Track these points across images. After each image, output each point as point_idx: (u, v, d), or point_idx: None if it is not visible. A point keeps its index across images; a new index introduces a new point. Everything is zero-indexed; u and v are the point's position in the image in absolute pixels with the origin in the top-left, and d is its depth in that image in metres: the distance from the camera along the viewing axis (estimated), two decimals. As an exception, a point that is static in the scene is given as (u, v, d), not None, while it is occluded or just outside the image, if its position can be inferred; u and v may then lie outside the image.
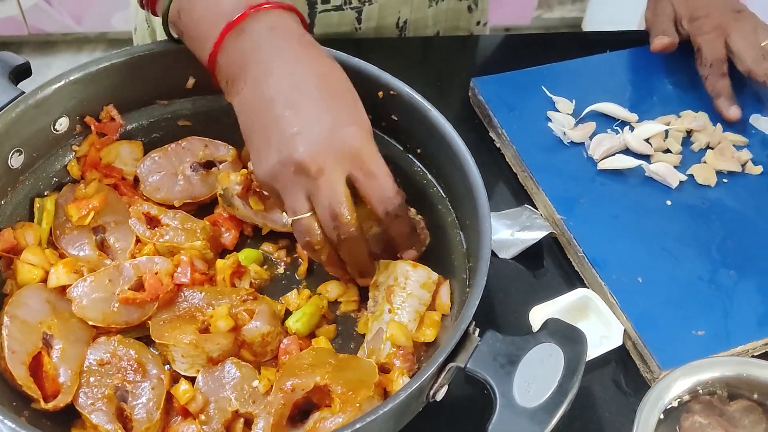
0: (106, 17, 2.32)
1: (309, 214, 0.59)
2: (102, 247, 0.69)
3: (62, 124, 0.70)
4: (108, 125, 0.73)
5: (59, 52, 2.41)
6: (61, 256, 0.68)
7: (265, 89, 0.59)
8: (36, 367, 0.60)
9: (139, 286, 0.64)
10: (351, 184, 0.60)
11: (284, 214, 0.65)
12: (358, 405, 0.56)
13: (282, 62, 0.60)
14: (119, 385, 0.60)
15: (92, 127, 0.72)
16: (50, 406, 0.58)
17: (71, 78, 0.68)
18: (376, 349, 0.62)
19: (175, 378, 0.61)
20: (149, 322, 0.64)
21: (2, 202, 0.67)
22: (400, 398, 0.51)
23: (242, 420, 0.59)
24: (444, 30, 1.01)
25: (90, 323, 0.63)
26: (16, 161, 0.67)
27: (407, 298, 0.63)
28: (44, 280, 0.65)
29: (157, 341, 0.62)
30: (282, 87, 0.59)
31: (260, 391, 0.60)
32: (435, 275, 0.65)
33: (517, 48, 1.01)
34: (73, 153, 0.72)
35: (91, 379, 0.60)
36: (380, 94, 0.72)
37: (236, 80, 0.61)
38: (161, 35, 0.77)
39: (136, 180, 0.74)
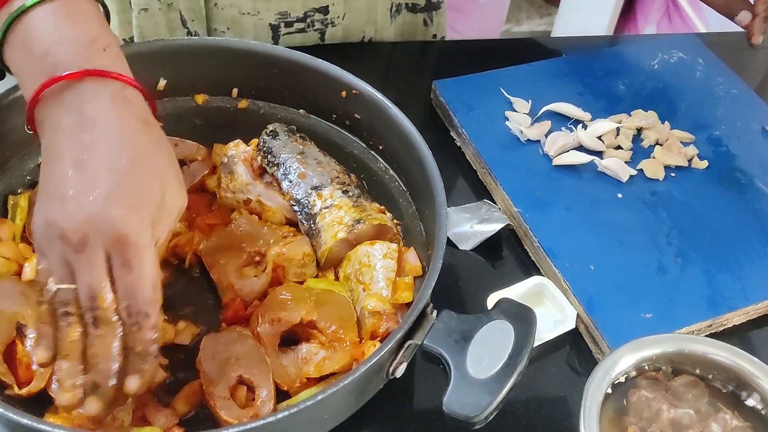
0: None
1: (74, 286, 0.53)
2: None
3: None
4: None
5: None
6: (35, 251, 0.70)
7: (60, 143, 0.53)
8: (10, 356, 0.62)
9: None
10: None
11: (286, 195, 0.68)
12: (346, 345, 0.64)
13: (86, 123, 0.53)
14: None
15: None
16: (24, 392, 0.60)
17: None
18: (364, 325, 0.66)
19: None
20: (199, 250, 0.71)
21: (-24, 198, 0.70)
22: (360, 371, 0.54)
23: (245, 388, 0.62)
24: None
25: None
26: (-13, 158, 0.70)
27: (375, 272, 0.68)
28: (18, 273, 0.67)
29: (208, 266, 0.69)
30: (74, 146, 0.53)
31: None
32: (393, 245, 0.70)
33: (477, 53, 1.05)
34: None
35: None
36: (343, 93, 0.75)
37: (42, 126, 0.55)
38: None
39: None
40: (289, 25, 0.93)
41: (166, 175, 0.56)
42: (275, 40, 0.95)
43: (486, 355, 0.56)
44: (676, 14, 2.18)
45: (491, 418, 0.54)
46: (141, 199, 0.53)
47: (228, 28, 0.93)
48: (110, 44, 0.57)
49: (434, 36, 1.06)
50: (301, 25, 0.94)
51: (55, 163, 0.53)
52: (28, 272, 0.66)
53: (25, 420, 0.50)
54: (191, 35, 0.93)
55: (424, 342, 0.57)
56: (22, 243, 0.70)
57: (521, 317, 0.58)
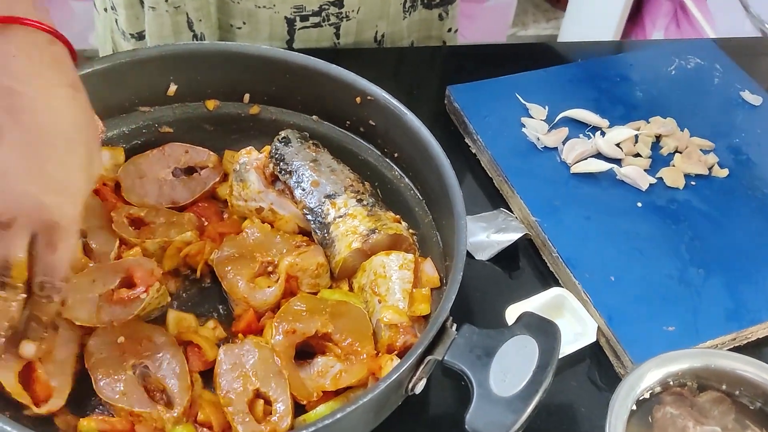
0: (83, 35, 2.32)
1: None
2: (84, 251, 0.69)
3: (43, 129, 0.71)
4: None
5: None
6: None
7: None
8: (28, 374, 0.60)
9: (122, 286, 0.65)
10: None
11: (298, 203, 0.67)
12: (363, 358, 0.63)
13: (31, 93, 0.50)
14: (135, 362, 0.61)
15: None
16: (44, 410, 0.59)
17: (53, 84, 0.69)
18: (380, 338, 0.65)
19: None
20: (211, 259, 0.69)
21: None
22: (380, 388, 0.52)
23: (262, 402, 0.61)
24: (417, 40, 1.03)
25: (77, 323, 0.63)
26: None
27: (391, 283, 0.66)
28: None
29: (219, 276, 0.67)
30: (7, 111, 0.50)
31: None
32: (409, 255, 0.68)
33: (489, 58, 1.04)
34: None
35: (108, 369, 0.61)
36: (358, 99, 0.74)
37: None
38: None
39: (117, 185, 0.75)
40: (304, 18, 0.92)
41: (93, 147, 0.54)
42: (291, 34, 0.94)
43: (509, 371, 0.54)
44: (685, 19, 2.17)
45: (516, 437, 0.52)
46: (75, 182, 0.52)
47: (244, 23, 0.92)
48: None
49: (449, 30, 1.05)
50: (316, 19, 0.93)
51: None
52: None
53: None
54: (197, 38, 0.91)
55: (445, 358, 0.55)
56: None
57: (545, 332, 0.56)
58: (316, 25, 0.94)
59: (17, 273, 0.53)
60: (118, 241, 0.69)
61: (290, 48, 0.94)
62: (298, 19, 0.92)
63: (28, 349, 0.56)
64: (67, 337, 0.62)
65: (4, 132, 0.50)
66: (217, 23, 0.93)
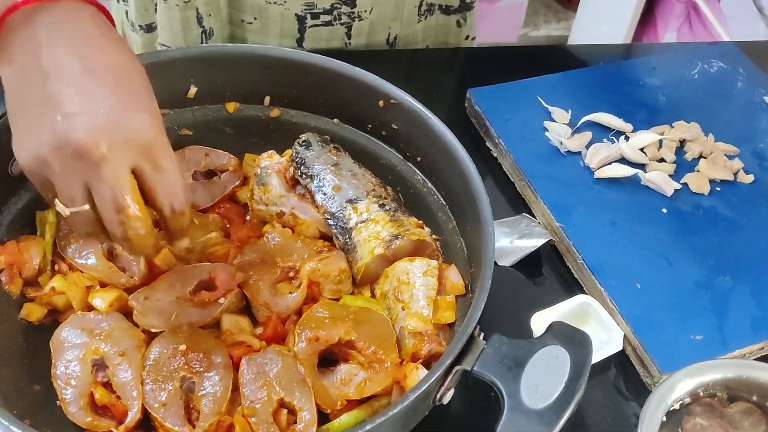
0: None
1: (88, 207, 0.52)
2: (111, 255, 0.68)
3: (63, 132, 0.70)
4: None
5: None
6: (69, 267, 0.68)
7: (45, 60, 0.51)
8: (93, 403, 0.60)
9: (199, 289, 0.66)
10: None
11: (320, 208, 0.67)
12: (387, 366, 0.62)
13: (71, 39, 0.52)
14: (186, 376, 0.60)
15: None
16: (123, 428, 0.58)
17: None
18: (404, 346, 0.63)
19: (236, 365, 0.62)
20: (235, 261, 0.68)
21: (2, 210, 0.67)
22: (409, 399, 0.51)
23: (285, 411, 0.60)
24: (433, 45, 1.02)
25: (152, 330, 0.63)
26: (15, 169, 0.67)
27: (415, 290, 0.65)
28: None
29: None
30: (65, 62, 0.51)
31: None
32: (434, 261, 0.67)
33: (506, 60, 1.03)
34: None
35: (158, 376, 0.60)
36: (381, 103, 0.73)
37: (11, 48, 0.53)
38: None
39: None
40: (315, 16, 0.91)
41: (149, 84, 0.56)
42: (301, 32, 0.93)
43: (541, 383, 0.53)
44: (698, 21, 2.15)
45: (547, 450, 0.51)
46: (147, 104, 0.54)
47: (255, 18, 0.91)
48: None
49: (467, 37, 1.04)
50: (327, 18, 0.92)
51: (43, 85, 0.50)
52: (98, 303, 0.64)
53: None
54: (206, 33, 0.90)
55: (475, 368, 0.54)
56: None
57: (576, 342, 0.55)
58: (327, 24, 0.93)
59: (134, 216, 0.52)
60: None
61: (300, 46, 0.93)
62: (308, 16, 0.91)
63: (183, 242, 0.58)
64: (129, 344, 0.62)
65: (69, 71, 0.51)
66: (227, 18, 0.92)
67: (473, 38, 1.07)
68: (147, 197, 0.53)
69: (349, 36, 0.95)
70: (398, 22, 0.96)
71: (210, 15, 0.90)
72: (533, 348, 0.55)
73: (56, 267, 0.68)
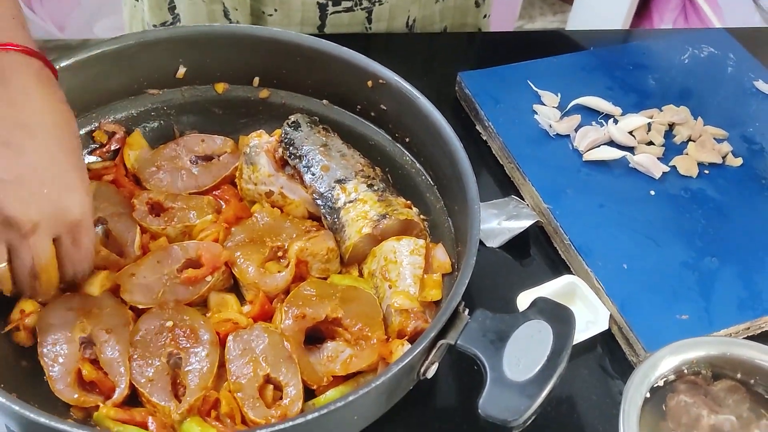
0: (89, 25, 2.32)
1: (4, 265, 0.55)
2: (107, 238, 0.69)
3: (52, 111, 0.70)
4: (117, 140, 0.74)
5: (44, 60, 2.40)
6: None
7: None
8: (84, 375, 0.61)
9: (186, 267, 0.66)
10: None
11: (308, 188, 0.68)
12: (373, 343, 0.62)
13: (14, 94, 0.53)
14: (173, 352, 0.61)
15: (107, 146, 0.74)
16: (110, 403, 0.59)
17: (61, 64, 0.68)
18: (391, 323, 0.64)
19: (223, 342, 0.62)
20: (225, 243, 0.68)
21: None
22: (393, 371, 0.52)
23: (271, 387, 0.60)
24: (451, 26, 1.02)
25: (140, 306, 0.64)
26: None
27: (402, 269, 0.65)
28: None
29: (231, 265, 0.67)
30: (4, 117, 0.52)
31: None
32: (420, 240, 0.67)
33: (500, 46, 1.03)
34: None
35: (145, 352, 0.61)
36: (369, 83, 0.73)
37: None
38: None
39: (136, 178, 0.74)
40: (336, 2, 0.91)
41: (80, 145, 0.58)
42: (322, 20, 0.93)
43: (523, 356, 0.53)
44: (693, 12, 2.15)
45: (529, 422, 0.52)
46: (83, 179, 0.56)
47: (276, 10, 0.91)
48: (25, 22, 0.57)
49: (485, 16, 1.04)
50: (348, 4, 0.92)
51: None
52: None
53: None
54: None
55: (458, 342, 0.55)
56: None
57: (559, 317, 0.55)
58: (348, 10, 0.92)
59: (46, 278, 0.57)
60: (138, 228, 0.69)
61: (322, 33, 0.93)
62: (330, 3, 0.91)
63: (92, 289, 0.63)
64: (116, 322, 0.62)
65: (6, 136, 0.52)
66: (249, 10, 0.92)
67: (489, 16, 1.07)
68: (58, 260, 0.57)
69: (369, 21, 0.95)
70: (417, 4, 0.96)
71: (236, 9, 0.90)
72: (516, 322, 0.55)
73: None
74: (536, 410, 0.51)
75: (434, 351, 0.55)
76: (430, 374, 0.56)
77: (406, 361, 0.52)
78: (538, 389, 0.51)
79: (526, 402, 0.51)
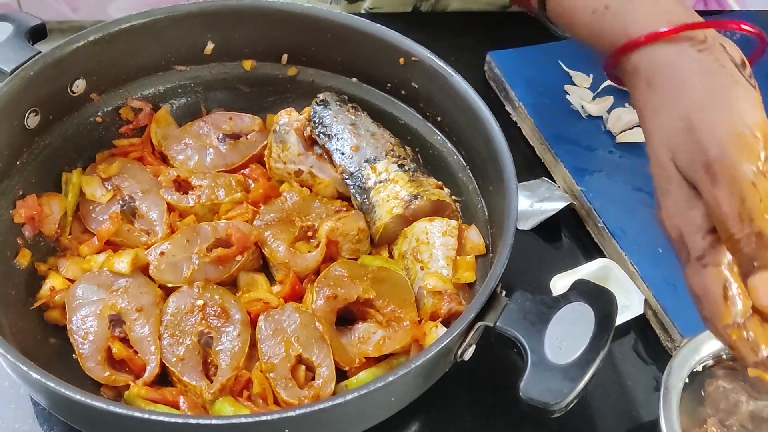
0: (102, 6, 2.30)
1: None
2: (134, 217, 0.68)
3: (79, 86, 0.69)
4: (143, 117, 0.73)
5: (54, 41, 2.38)
6: (85, 231, 0.67)
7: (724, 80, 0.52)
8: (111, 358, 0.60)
9: (215, 247, 0.65)
10: None
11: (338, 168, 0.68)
12: (405, 325, 0.61)
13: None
14: (204, 331, 0.60)
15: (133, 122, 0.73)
16: (141, 382, 0.58)
17: (90, 38, 0.67)
18: (423, 305, 0.63)
19: (253, 322, 0.62)
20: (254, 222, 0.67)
21: (18, 163, 0.66)
22: (432, 353, 0.51)
23: (303, 368, 0.59)
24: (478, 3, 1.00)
25: (169, 285, 0.63)
26: (32, 121, 0.66)
27: (434, 250, 0.64)
28: None
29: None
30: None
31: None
32: (453, 221, 0.66)
33: (525, 25, 1.01)
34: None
35: (175, 331, 0.60)
36: (401, 61, 0.71)
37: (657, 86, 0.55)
38: None
39: (162, 156, 0.73)
40: None
41: None
42: None
43: (565, 339, 0.52)
44: (713, -3, 2.12)
45: (572, 406, 0.51)
46: None
47: None
48: None
49: None
50: None
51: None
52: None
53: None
54: None
55: (497, 324, 0.54)
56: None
57: (601, 299, 0.54)
58: None
59: None
60: (165, 205, 0.68)
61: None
62: None
63: None
64: (146, 300, 0.61)
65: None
66: None
67: None
68: None
69: None
70: None
71: None
72: (557, 304, 0.54)
73: (64, 245, 0.67)
74: (579, 393, 0.50)
75: (472, 333, 0.54)
76: (467, 357, 0.55)
77: (445, 342, 0.51)
78: (581, 372, 0.50)
79: (569, 385, 0.50)
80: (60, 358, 0.60)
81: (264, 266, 0.68)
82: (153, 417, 0.45)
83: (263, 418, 0.46)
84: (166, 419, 0.45)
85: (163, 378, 0.60)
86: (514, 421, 0.62)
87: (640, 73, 0.57)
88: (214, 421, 0.46)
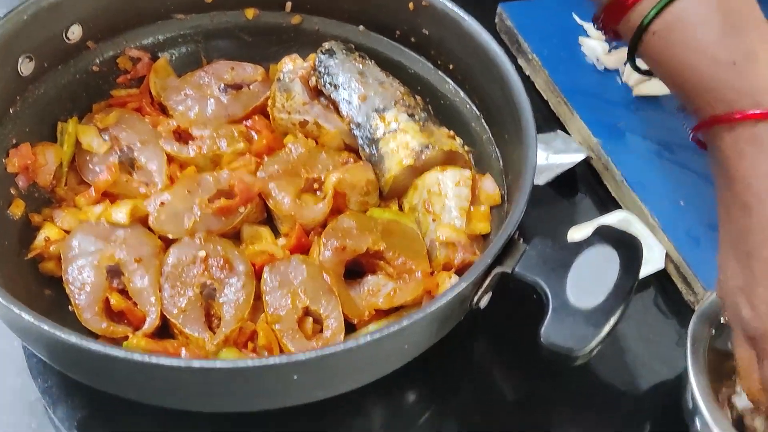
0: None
1: None
2: (132, 168, 0.65)
3: (75, 32, 0.66)
4: (142, 67, 0.70)
5: None
6: (81, 182, 0.65)
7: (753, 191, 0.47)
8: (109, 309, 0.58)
9: (217, 198, 0.62)
10: None
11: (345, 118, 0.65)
12: (417, 276, 0.58)
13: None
14: (206, 282, 0.57)
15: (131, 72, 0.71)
16: (141, 333, 0.55)
17: (85, -17, 0.64)
18: (435, 257, 0.60)
19: (258, 275, 0.59)
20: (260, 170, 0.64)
21: (11, 111, 0.63)
22: (447, 299, 0.48)
23: (311, 320, 0.57)
24: None
25: (170, 236, 0.60)
26: (26, 68, 0.63)
27: (447, 201, 0.62)
28: None
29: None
30: None
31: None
32: (467, 171, 0.63)
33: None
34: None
35: (176, 282, 0.57)
36: (411, 5, 0.68)
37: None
38: None
39: (161, 107, 0.70)
40: None
41: None
42: None
43: (588, 283, 0.49)
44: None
45: (594, 353, 0.48)
46: None
47: None
48: None
49: None
50: None
51: (742, 217, 0.47)
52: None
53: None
54: None
55: (516, 270, 0.51)
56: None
57: (625, 243, 0.52)
58: None
59: None
60: (165, 156, 0.65)
61: None
62: None
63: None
64: (146, 251, 0.59)
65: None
66: None
67: None
68: None
69: None
70: None
71: None
72: (579, 249, 0.51)
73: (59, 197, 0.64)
74: (603, 338, 0.47)
75: (488, 280, 0.52)
76: (483, 304, 0.53)
77: (461, 288, 0.49)
78: (605, 317, 0.48)
79: (593, 330, 0.47)
80: (55, 310, 0.57)
81: (268, 219, 0.65)
82: (154, 360, 0.42)
83: (271, 362, 0.44)
84: (168, 362, 0.43)
85: (164, 332, 0.57)
86: (532, 372, 0.60)
87: (744, 154, 0.48)
88: (218, 365, 0.43)
